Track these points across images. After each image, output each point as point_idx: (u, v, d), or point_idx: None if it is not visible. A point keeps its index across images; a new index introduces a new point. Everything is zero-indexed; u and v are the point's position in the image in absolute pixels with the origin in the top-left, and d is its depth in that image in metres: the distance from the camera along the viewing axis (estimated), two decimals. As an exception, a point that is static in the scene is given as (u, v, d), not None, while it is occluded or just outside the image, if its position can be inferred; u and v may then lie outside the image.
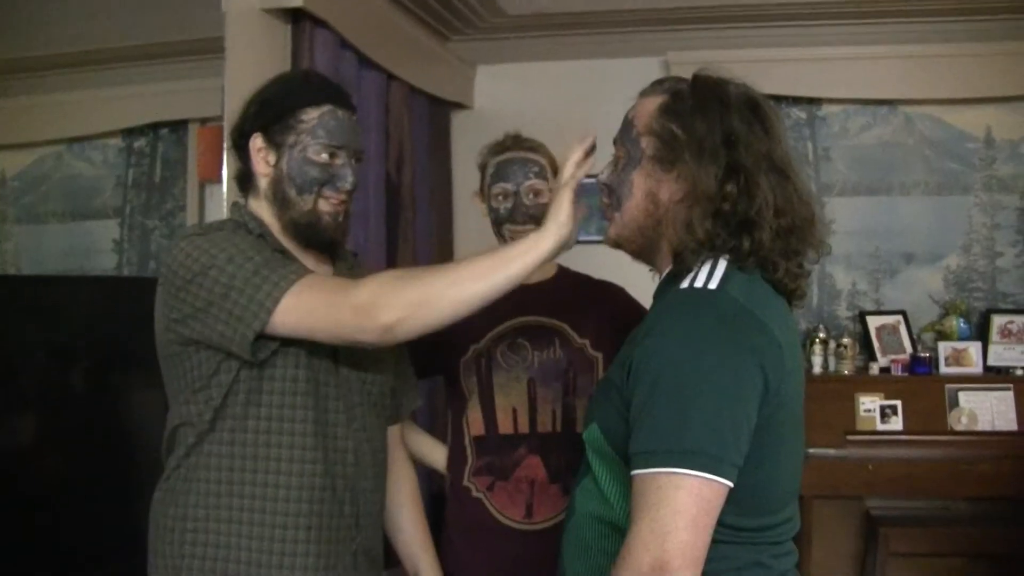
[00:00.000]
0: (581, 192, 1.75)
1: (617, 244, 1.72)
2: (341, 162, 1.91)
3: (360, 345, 1.79)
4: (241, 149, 1.95)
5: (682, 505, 1.36)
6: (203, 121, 4.69)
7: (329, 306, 1.73)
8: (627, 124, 1.69)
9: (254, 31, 3.01)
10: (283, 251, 1.89)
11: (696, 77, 1.66)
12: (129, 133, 5.05)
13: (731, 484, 1.40)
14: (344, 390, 1.92)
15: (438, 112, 4.63)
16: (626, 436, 1.47)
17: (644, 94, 1.70)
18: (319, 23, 3.18)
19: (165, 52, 4.51)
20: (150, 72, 4.68)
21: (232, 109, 2.86)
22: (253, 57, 2.99)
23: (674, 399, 1.41)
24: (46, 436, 2.09)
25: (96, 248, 5.07)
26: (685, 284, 1.54)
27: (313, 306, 1.73)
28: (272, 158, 1.91)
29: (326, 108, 1.90)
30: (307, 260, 1.92)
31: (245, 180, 1.98)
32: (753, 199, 1.54)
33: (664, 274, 1.67)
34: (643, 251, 1.70)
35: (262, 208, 1.94)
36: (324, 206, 1.91)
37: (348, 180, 1.91)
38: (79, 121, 4.97)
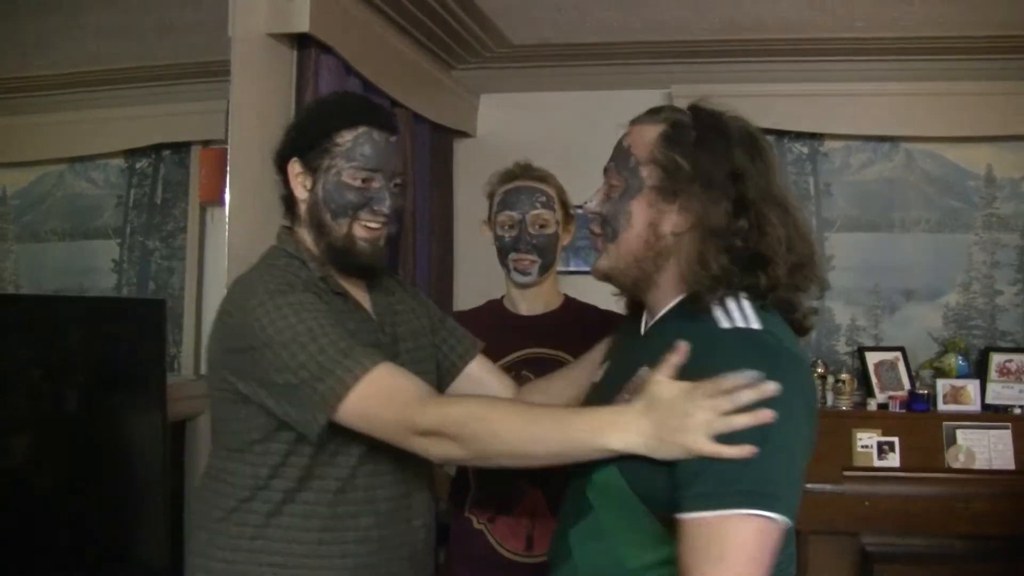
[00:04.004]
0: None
1: (607, 276, 1.67)
2: (378, 185, 1.87)
3: None
4: (283, 175, 1.93)
5: (755, 549, 1.33)
6: (205, 143, 4.69)
7: (392, 424, 1.68)
8: (623, 152, 1.64)
9: (260, 56, 3.02)
10: (325, 278, 1.87)
11: (697, 108, 1.63)
12: (132, 154, 5.05)
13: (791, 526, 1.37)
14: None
15: (441, 140, 4.64)
16: (662, 480, 1.41)
17: (638, 122, 1.67)
18: (325, 49, 3.19)
19: (170, 74, 4.52)
20: (154, 93, 4.69)
21: (236, 132, 2.89)
22: (259, 81, 3.01)
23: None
24: (41, 457, 2.08)
25: (96, 268, 5.06)
26: (725, 324, 1.49)
27: (377, 413, 1.69)
28: (309, 183, 1.88)
29: (361, 130, 1.87)
30: (348, 285, 1.92)
31: (289, 206, 1.95)
32: (764, 234, 1.52)
33: (663, 311, 1.62)
34: (636, 284, 1.64)
35: (305, 234, 1.91)
36: (360, 231, 1.88)
37: (385, 203, 1.87)
38: (82, 141, 4.97)
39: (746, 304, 1.51)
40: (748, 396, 1.37)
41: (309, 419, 1.69)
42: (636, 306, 1.76)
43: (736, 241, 1.52)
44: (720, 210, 1.52)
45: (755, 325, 1.48)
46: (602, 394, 1.67)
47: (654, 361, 1.50)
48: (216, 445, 1.89)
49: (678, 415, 1.40)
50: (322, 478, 1.80)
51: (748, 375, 1.38)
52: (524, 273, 2.48)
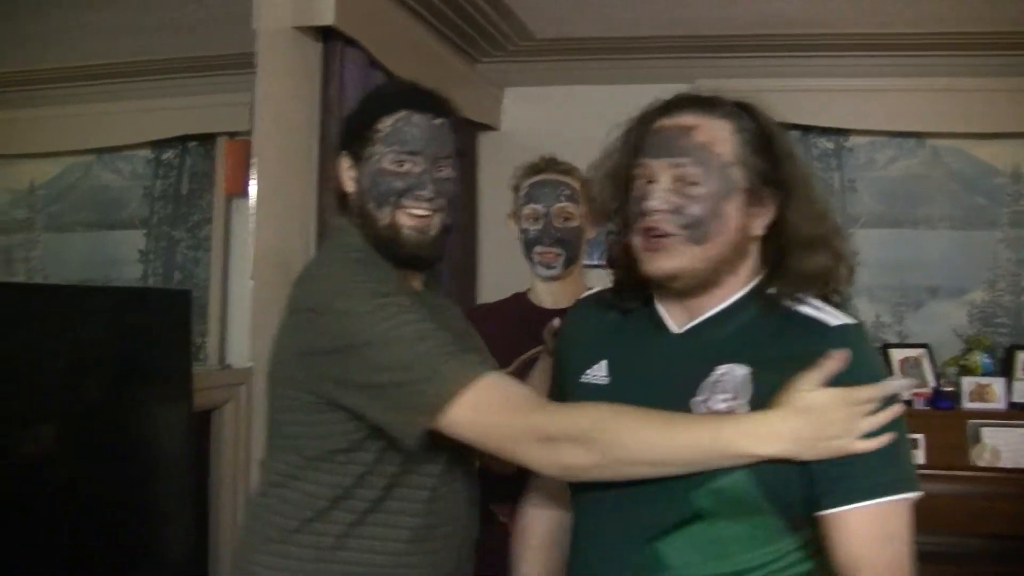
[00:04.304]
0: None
1: (675, 277, 1.55)
2: (419, 169, 1.79)
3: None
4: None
5: (910, 526, 1.49)
6: (231, 135, 4.71)
7: (509, 429, 1.58)
8: (700, 148, 1.53)
9: (286, 48, 3.04)
10: (405, 276, 1.83)
11: (753, 108, 1.60)
12: (158, 145, 5.07)
13: None
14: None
15: (465, 133, 4.63)
16: (798, 480, 1.46)
17: (695, 113, 1.57)
18: (350, 42, 3.21)
19: (196, 66, 4.54)
20: (180, 85, 4.71)
21: (261, 124, 2.90)
22: (284, 74, 3.02)
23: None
24: (65, 447, 2.09)
25: (122, 258, 5.09)
26: (834, 321, 1.52)
27: (490, 419, 1.58)
28: (355, 174, 1.83)
29: (401, 114, 1.80)
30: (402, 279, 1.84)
31: (343, 203, 1.88)
32: (839, 233, 1.58)
33: (715, 310, 1.58)
34: (702, 285, 1.57)
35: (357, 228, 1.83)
36: (404, 219, 1.79)
37: (427, 188, 1.79)
38: (109, 132, 4.99)
39: (817, 301, 1.57)
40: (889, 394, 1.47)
41: (408, 422, 1.60)
42: (635, 299, 1.71)
43: (829, 243, 1.56)
44: (808, 212, 1.55)
45: (851, 319, 1.53)
46: (635, 394, 1.57)
47: (755, 361, 1.52)
48: (282, 451, 1.79)
49: (836, 421, 1.43)
50: (409, 487, 1.73)
51: (907, 382, 1.53)
52: (549, 267, 2.48)
